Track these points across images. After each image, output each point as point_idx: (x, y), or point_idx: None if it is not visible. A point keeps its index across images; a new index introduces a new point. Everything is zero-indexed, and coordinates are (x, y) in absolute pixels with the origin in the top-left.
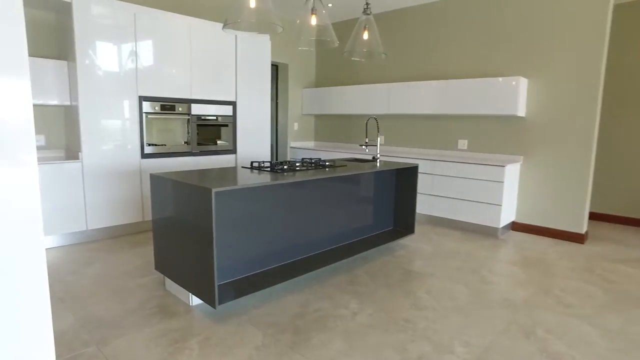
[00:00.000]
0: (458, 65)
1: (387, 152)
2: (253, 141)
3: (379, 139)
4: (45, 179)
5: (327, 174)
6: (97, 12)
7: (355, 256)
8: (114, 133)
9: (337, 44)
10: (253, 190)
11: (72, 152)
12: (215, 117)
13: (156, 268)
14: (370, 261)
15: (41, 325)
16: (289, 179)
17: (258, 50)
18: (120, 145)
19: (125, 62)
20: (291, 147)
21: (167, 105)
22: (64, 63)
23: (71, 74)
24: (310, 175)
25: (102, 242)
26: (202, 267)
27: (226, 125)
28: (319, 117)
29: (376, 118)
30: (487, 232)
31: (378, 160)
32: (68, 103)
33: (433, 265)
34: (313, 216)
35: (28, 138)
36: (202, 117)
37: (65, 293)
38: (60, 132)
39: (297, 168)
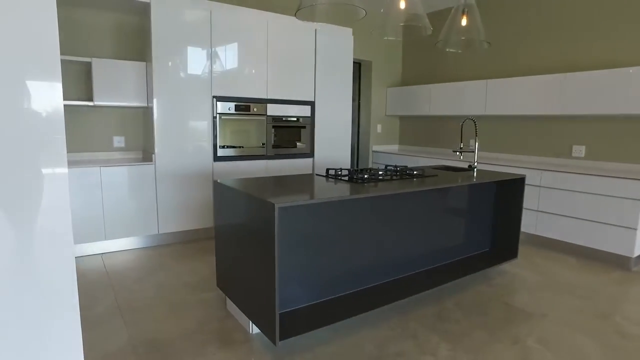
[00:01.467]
0: (574, 54)
1: (483, 159)
2: (332, 144)
3: (476, 144)
4: (122, 181)
5: (416, 186)
6: (173, 10)
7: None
8: (186, 135)
9: (430, 30)
10: (326, 203)
11: (148, 154)
12: (292, 118)
13: (218, 285)
14: (462, 290)
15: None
16: (370, 192)
17: (339, 46)
18: (193, 147)
19: (200, 60)
20: (373, 151)
21: (242, 106)
22: (142, 64)
23: (149, 74)
24: (396, 188)
25: (172, 247)
26: (263, 292)
27: (303, 127)
28: (404, 119)
29: (474, 119)
30: (614, 262)
31: (475, 170)
32: (145, 104)
33: (543, 301)
34: (394, 234)
35: (57, 142)
36: (278, 118)
37: (126, 304)
38: (139, 134)
39: (380, 178)
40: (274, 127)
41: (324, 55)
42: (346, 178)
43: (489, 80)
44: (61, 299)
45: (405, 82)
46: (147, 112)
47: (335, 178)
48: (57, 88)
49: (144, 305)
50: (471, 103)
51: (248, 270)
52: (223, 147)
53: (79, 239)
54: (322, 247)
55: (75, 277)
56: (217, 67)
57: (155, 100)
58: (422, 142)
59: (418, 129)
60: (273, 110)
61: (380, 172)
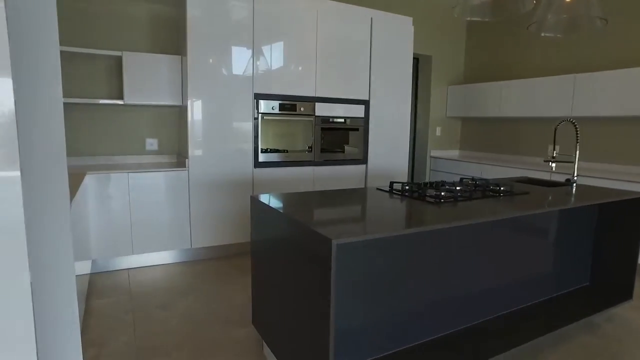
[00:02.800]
0: None
1: (567, 170)
2: (388, 149)
3: (577, 152)
4: (152, 189)
5: (516, 208)
6: None
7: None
8: (224, 137)
9: (531, 5)
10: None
11: (182, 158)
12: (343, 119)
13: (253, 322)
14: (561, 340)
15: None
16: (460, 218)
17: (398, 37)
18: (231, 151)
19: (240, 54)
20: (432, 157)
21: (287, 105)
22: (177, 59)
23: (184, 70)
24: (494, 212)
25: (206, 264)
26: (311, 343)
27: (356, 130)
28: (467, 121)
29: (574, 122)
30: None
31: (574, 185)
32: (180, 103)
33: None
34: (473, 267)
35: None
36: (328, 119)
37: (145, 341)
38: (174, 136)
39: (459, 195)
40: (322, 129)
41: (381, 48)
42: (417, 194)
43: (577, 75)
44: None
45: (468, 79)
46: (182, 111)
47: (402, 195)
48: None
49: (167, 343)
50: (553, 103)
51: (291, 313)
52: (265, 151)
53: (103, 252)
54: (384, 286)
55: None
56: (259, 62)
57: (189, 99)
58: (488, 147)
59: (484, 132)
60: (322, 110)
61: (458, 188)
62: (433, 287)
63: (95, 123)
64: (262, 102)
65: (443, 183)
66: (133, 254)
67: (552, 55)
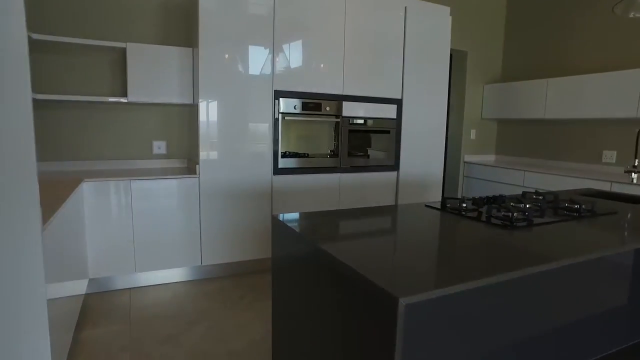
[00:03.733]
0: None
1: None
2: (422, 155)
3: None
4: (157, 198)
5: (628, 238)
6: None
7: None
8: (239, 140)
9: None
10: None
11: (193, 164)
12: (372, 120)
13: None
14: None
15: None
16: (560, 257)
17: (434, 29)
18: (247, 156)
19: (259, 47)
20: (466, 162)
21: (311, 104)
22: (188, 51)
23: (195, 64)
24: (602, 244)
25: (218, 283)
26: None
27: (386, 132)
28: (503, 123)
29: None
30: None
31: None
32: (191, 102)
33: None
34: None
35: None
36: (356, 120)
37: None
38: (184, 138)
39: (530, 215)
40: (349, 131)
41: (415, 41)
42: (477, 215)
43: None
44: None
45: (506, 77)
46: (193, 111)
47: (460, 215)
48: None
49: None
50: (612, 102)
51: None
52: (285, 155)
53: (101, 270)
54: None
55: None
56: (280, 57)
57: (201, 97)
58: (528, 152)
59: (523, 135)
60: (349, 109)
61: (527, 206)
62: (514, 339)
63: (96, 123)
64: (282, 101)
65: (503, 198)
66: (136, 271)
67: (611, 47)
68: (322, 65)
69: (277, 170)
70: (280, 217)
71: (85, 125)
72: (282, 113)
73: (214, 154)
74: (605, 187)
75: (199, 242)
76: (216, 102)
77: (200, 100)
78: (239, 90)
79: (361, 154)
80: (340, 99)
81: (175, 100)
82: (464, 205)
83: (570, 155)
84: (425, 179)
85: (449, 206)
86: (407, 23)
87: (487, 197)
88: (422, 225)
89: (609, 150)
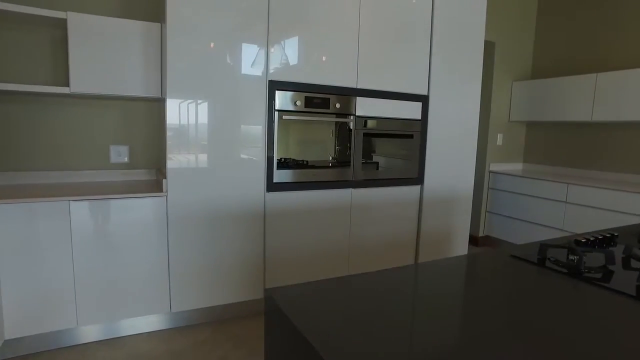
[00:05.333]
0: None
1: None
2: (450, 164)
3: None
4: (107, 226)
5: None
6: None
7: None
8: (221, 146)
9: None
10: None
11: (163, 174)
12: (393, 122)
13: None
14: None
15: None
16: None
17: (466, 14)
18: (231, 167)
19: (248, 25)
20: (491, 172)
21: (317, 99)
22: (155, 27)
23: (163, 44)
24: None
25: (191, 336)
26: None
27: (409, 136)
28: (533, 126)
29: None
30: None
31: None
32: (159, 95)
33: None
34: None
35: None
36: (374, 121)
37: None
38: (153, 142)
39: None
40: (365, 134)
41: (445, 26)
42: (599, 275)
43: None
44: None
45: (537, 73)
46: (162, 107)
47: (570, 275)
48: None
49: None
50: None
51: None
52: (282, 164)
53: (26, 327)
54: None
55: None
56: (278, 36)
57: (169, 87)
58: (563, 160)
59: (557, 141)
60: (365, 107)
61: None
62: None
63: (29, 122)
64: (279, 95)
65: (612, 238)
66: (78, 325)
67: None
68: (331, 52)
69: (271, 186)
70: (275, 296)
71: (14, 123)
72: (278, 111)
73: (187, 165)
74: None
75: (167, 282)
76: (190, 95)
77: (168, 92)
78: (221, 79)
79: (377, 163)
80: (353, 93)
81: (139, 92)
82: (573, 259)
83: (614, 164)
84: (453, 195)
85: (552, 259)
86: (436, 4)
87: (599, 239)
88: (519, 308)
89: None
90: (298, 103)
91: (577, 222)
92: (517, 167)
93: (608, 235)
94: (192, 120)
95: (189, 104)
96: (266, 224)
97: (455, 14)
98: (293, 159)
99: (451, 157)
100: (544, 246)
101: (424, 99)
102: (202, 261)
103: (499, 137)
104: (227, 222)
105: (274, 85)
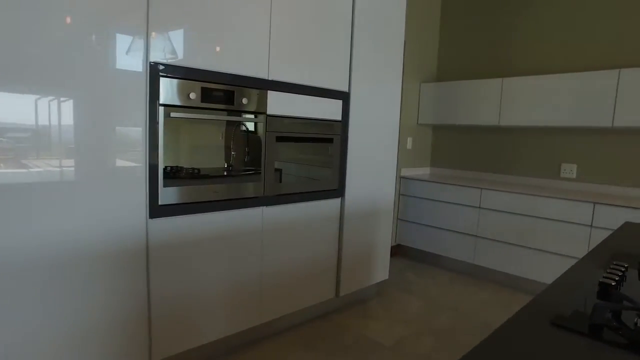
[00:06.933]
0: None
1: (586, 196)
2: (372, 172)
3: None
4: None
5: None
6: None
7: None
8: (73, 153)
9: None
10: None
11: None
12: (311, 123)
13: None
14: None
15: None
16: None
17: (387, 6)
18: (95, 187)
19: None
20: (402, 178)
21: (217, 92)
22: None
23: None
24: None
25: None
26: None
27: (329, 141)
28: (440, 130)
29: None
30: None
31: None
32: None
33: None
34: None
35: None
36: (287, 122)
37: None
38: None
39: None
40: (279, 139)
41: (365, 19)
42: None
43: (623, 70)
44: None
45: (444, 75)
46: None
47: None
48: None
49: None
50: (585, 108)
51: None
52: (171, 178)
53: None
54: None
55: None
56: (162, 11)
57: None
58: (469, 164)
59: (470, 145)
60: (278, 104)
61: None
62: None
63: None
64: (166, 84)
65: None
66: None
67: (574, 44)
68: (237, 33)
69: (155, 210)
70: None
71: None
72: (164, 106)
73: (12, 179)
74: (564, 206)
75: None
76: (19, 76)
77: None
78: (70, 58)
79: (293, 173)
80: (264, 86)
81: None
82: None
83: (522, 168)
84: (376, 206)
85: (616, 325)
86: None
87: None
88: None
89: (568, 163)
90: (192, 96)
91: (491, 228)
92: (425, 171)
93: None
94: (27, 120)
95: (19, 93)
96: (150, 265)
97: (377, 5)
98: (188, 170)
99: (373, 163)
100: (598, 310)
101: (344, 97)
102: (43, 318)
103: (409, 140)
104: (89, 269)
105: (158, 71)
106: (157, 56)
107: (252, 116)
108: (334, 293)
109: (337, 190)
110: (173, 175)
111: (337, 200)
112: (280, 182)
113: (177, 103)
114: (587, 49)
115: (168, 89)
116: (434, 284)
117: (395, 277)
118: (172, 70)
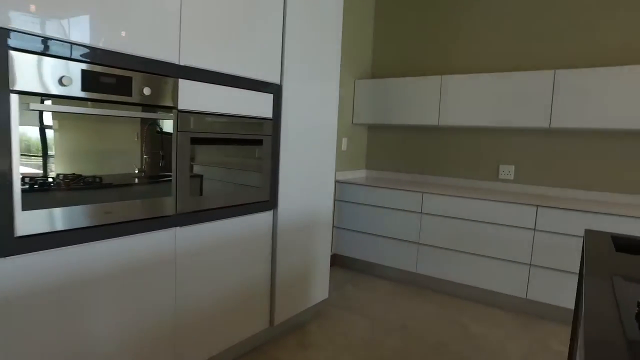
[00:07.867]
0: None
1: (530, 199)
2: (308, 177)
3: None
4: None
5: None
6: None
7: None
8: None
9: None
10: None
11: None
12: (235, 121)
13: None
14: None
15: None
16: None
17: None
18: None
19: None
20: (337, 182)
21: (106, 77)
22: None
23: None
24: None
25: None
26: None
27: (258, 142)
28: (375, 130)
29: None
30: None
31: None
32: None
33: None
34: None
35: None
36: (206, 120)
37: None
38: None
39: None
40: (193, 140)
41: (300, 1)
42: None
43: (559, 71)
44: None
45: (379, 71)
46: None
47: None
48: None
49: None
50: (525, 109)
51: None
52: (37, 192)
53: None
54: None
55: None
56: None
57: None
58: (405, 166)
59: (408, 146)
60: (193, 97)
61: None
62: None
63: None
64: (23, 61)
65: None
66: None
67: (526, 40)
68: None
69: (11, 244)
70: None
71: None
72: (21, 93)
73: None
74: (505, 209)
75: None
76: None
77: None
78: None
79: (213, 183)
80: (174, 73)
81: None
82: None
83: (459, 170)
84: (313, 217)
85: None
86: None
87: None
88: None
89: (506, 164)
90: (66, 81)
91: (434, 234)
92: (361, 174)
93: None
94: None
95: None
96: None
97: None
98: (64, 180)
99: (309, 168)
100: None
101: (276, 90)
102: None
103: (344, 141)
104: None
105: (7, 40)
106: (16, 21)
107: (158, 112)
108: (267, 322)
109: (269, 202)
110: (45, 189)
111: (269, 214)
112: (201, 194)
113: (41, 90)
114: (524, 49)
115: (28, 70)
116: (376, 298)
117: (335, 293)
118: (33, 43)
